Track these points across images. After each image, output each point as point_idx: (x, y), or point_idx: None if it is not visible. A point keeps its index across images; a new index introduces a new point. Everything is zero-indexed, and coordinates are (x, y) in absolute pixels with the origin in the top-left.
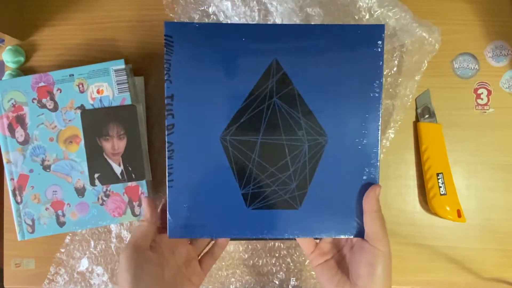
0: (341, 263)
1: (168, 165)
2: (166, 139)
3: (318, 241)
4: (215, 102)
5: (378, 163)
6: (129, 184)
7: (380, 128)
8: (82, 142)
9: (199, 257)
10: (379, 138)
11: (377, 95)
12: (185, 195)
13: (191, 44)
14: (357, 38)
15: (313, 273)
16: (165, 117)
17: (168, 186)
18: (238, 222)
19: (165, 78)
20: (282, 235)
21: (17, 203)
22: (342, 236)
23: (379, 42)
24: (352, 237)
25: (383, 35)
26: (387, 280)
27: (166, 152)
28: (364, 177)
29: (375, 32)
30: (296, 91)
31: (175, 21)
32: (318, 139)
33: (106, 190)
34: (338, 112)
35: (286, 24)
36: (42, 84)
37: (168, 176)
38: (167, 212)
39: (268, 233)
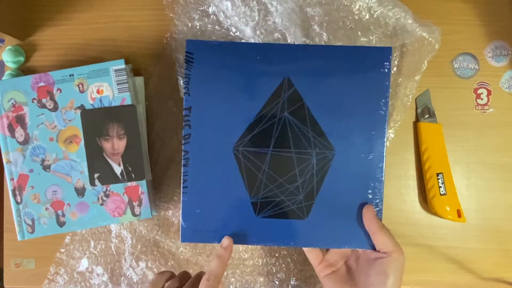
0: (348, 273)
1: (183, 172)
2: (183, 148)
3: (325, 252)
4: (229, 115)
5: (383, 178)
6: (129, 184)
7: (385, 144)
8: (82, 142)
9: None
10: (385, 154)
11: (383, 113)
12: (198, 202)
13: (210, 61)
14: (365, 59)
15: (313, 273)
16: (183, 128)
17: (183, 192)
18: (247, 229)
19: (184, 91)
20: (288, 244)
21: (17, 203)
22: (348, 247)
23: (386, 63)
24: (358, 248)
25: (390, 57)
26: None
27: (182, 160)
28: (369, 191)
29: (383, 54)
30: (306, 107)
31: (176, 23)
32: (326, 153)
33: (106, 190)
34: (346, 128)
35: (298, 45)
36: (42, 84)
37: (183, 182)
38: (181, 217)
39: (275, 242)
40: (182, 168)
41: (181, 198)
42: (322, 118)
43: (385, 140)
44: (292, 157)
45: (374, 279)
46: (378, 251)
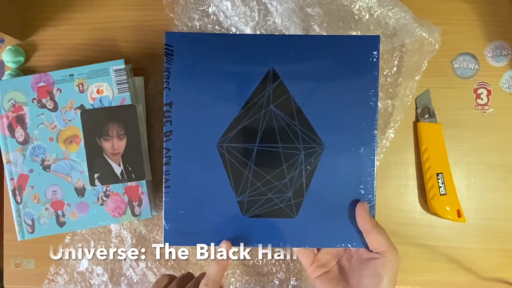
0: (341, 273)
1: (165, 171)
2: (164, 145)
3: (316, 252)
4: (213, 109)
5: (374, 172)
6: (129, 184)
7: (376, 137)
8: (82, 142)
9: None
10: (376, 147)
11: (372, 104)
12: (181, 202)
13: (191, 54)
14: (353, 48)
15: None
16: (163, 124)
17: (165, 192)
18: (234, 230)
19: (164, 86)
20: (277, 244)
21: (17, 203)
22: (340, 247)
23: (374, 52)
24: (351, 247)
25: (378, 45)
26: None
27: (164, 158)
28: (361, 186)
29: (371, 43)
30: (293, 99)
31: (176, 23)
32: (315, 147)
33: (106, 190)
34: (334, 121)
35: (283, 35)
36: (42, 84)
37: (164, 182)
38: (163, 218)
39: (264, 242)
40: (164, 166)
41: (163, 198)
42: (310, 111)
43: (375, 132)
44: (279, 152)
45: (368, 280)
46: (371, 251)
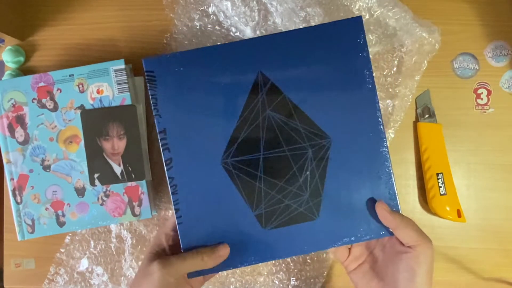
0: (375, 265)
1: (173, 201)
2: (167, 175)
3: (350, 246)
4: (209, 127)
5: (388, 154)
6: (129, 184)
7: (381, 120)
8: (82, 142)
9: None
10: (383, 129)
11: (370, 86)
12: (197, 229)
13: (174, 76)
14: (338, 34)
15: (313, 273)
16: (162, 152)
17: (178, 223)
18: (257, 246)
19: (154, 114)
20: (305, 251)
21: (17, 203)
22: (367, 239)
23: (361, 33)
24: (377, 238)
25: (362, 25)
26: (429, 284)
27: (169, 187)
28: (378, 172)
29: (354, 24)
30: (288, 99)
31: (176, 23)
32: (321, 142)
33: (106, 190)
34: (335, 111)
35: (265, 35)
36: (42, 84)
37: (175, 212)
38: (181, 249)
39: (291, 252)
40: (171, 196)
41: (178, 229)
42: (308, 107)
43: (379, 114)
44: (287, 155)
45: (401, 275)
46: (403, 245)
